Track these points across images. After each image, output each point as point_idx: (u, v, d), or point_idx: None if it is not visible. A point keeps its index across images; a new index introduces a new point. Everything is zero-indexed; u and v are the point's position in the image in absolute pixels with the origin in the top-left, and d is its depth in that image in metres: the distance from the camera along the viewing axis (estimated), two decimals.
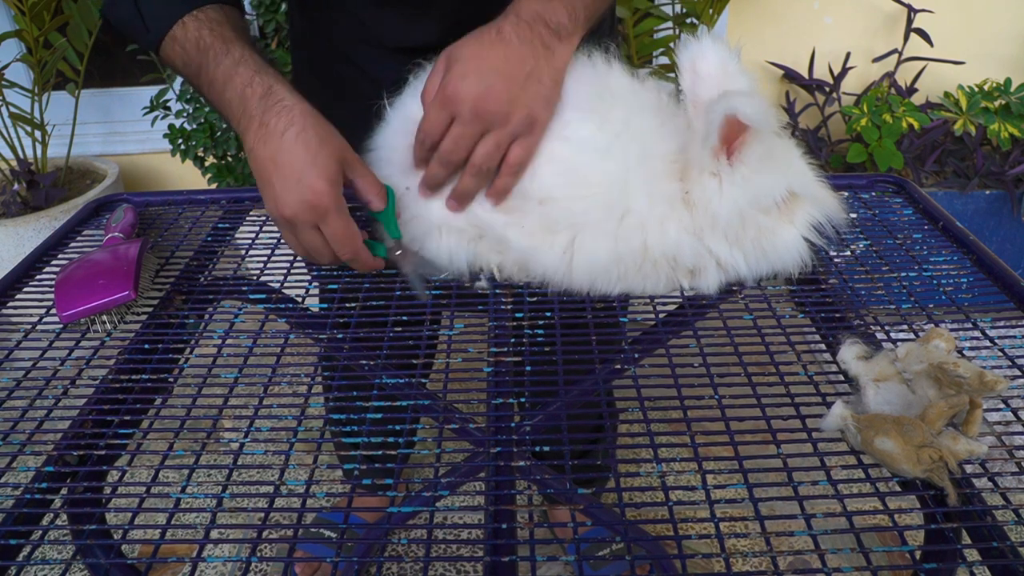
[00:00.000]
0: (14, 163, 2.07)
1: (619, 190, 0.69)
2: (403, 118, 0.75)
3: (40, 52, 1.96)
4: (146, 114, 2.04)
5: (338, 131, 0.70)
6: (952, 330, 0.67)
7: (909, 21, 2.10)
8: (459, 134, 0.68)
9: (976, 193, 1.93)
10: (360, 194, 0.71)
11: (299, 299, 0.78)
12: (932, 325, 0.67)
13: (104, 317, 0.71)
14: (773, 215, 0.70)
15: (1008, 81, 2.06)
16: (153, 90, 2.06)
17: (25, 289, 0.79)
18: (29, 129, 2.06)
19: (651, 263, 0.71)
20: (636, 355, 0.67)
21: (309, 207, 0.66)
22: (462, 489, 1.47)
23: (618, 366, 0.67)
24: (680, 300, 0.73)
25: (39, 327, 0.72)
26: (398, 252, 0.74)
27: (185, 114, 1.99)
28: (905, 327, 0.70)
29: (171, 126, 1.97)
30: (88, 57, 2.05)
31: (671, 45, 1.94)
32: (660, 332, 0.71)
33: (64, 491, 0.56)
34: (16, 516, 0.53)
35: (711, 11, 1.87)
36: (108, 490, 0.57)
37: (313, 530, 1.33)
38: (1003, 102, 2.01)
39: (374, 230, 0.74)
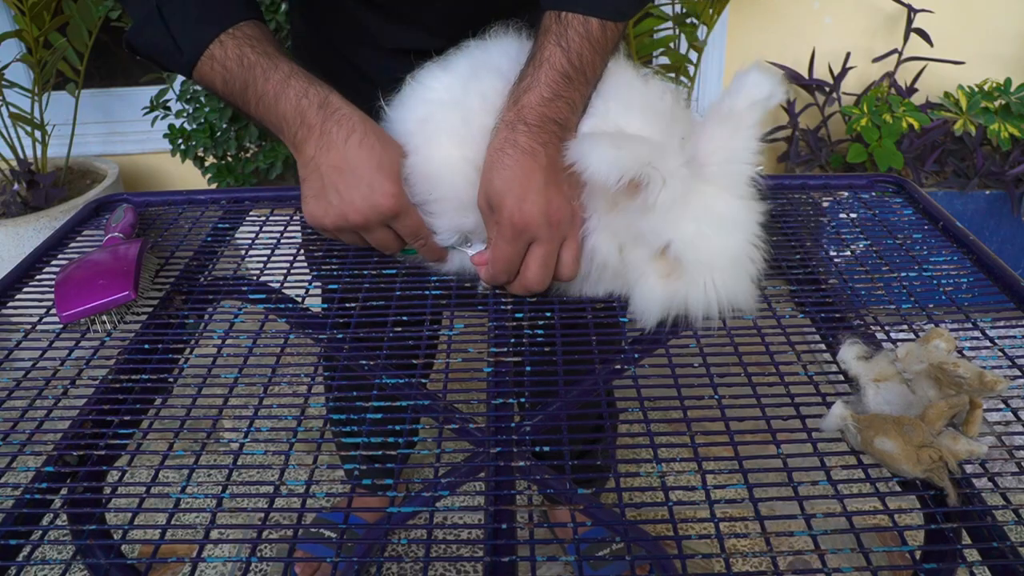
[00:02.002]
0: (14, 163, 2.07)
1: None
2: (397, 131, 0.75)
3: (40, 52, 1.96)
4: (146, 114, 2.04)
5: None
6: (952, 330, 0.67)
7: (909, 21, 2.10)
8: (545, 253, 0.68)
9: (976, 193, 1.93)
10: None
11: (299, 299, 0.78)
12: (932, 325, 0.67)
13: (104, 317, 0.71)
14: (650, 257, 0.66)
15: (1008, 81, 2.06)
16: (153, 90, 2.06)
17: (25, 289, 0.79)
18: (29, 129, 2.06)
19: (607, 269, 0.71)
20: (636, 355, 0.67)
21: (380, 211, 0.70)
22: (462, 489, 1.47)
23: (618, 366, 0.67)
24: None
25: (39, 327, 0.72)
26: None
27: (185, 114, 1.99)
28: (905, 327, 0.70)
29: (171, 126, 1.97)
30: (88, 57, 2.05)
31: (671, 45, 1.95)
32: (660, 332, 0.71)
33: (64, 491, 0.56)
34: (16, 516, 0.53)
35: (711, 11, 1.87)
36: (108, 490, 0.57)
37: (313, 530, 1.33)
38: (1003, 102, 2.01)
39: None
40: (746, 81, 0.64)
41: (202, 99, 1.94)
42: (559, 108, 0.67)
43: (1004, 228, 1.97)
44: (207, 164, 2.00)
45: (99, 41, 2.06)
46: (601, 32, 0.68)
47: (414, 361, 0.70)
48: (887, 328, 0.70)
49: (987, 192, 1.93)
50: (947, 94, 2.09)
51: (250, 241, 0.88)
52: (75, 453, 0.57)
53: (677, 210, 0.63)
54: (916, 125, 1.98)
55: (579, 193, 0.69)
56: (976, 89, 2.06)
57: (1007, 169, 1.90)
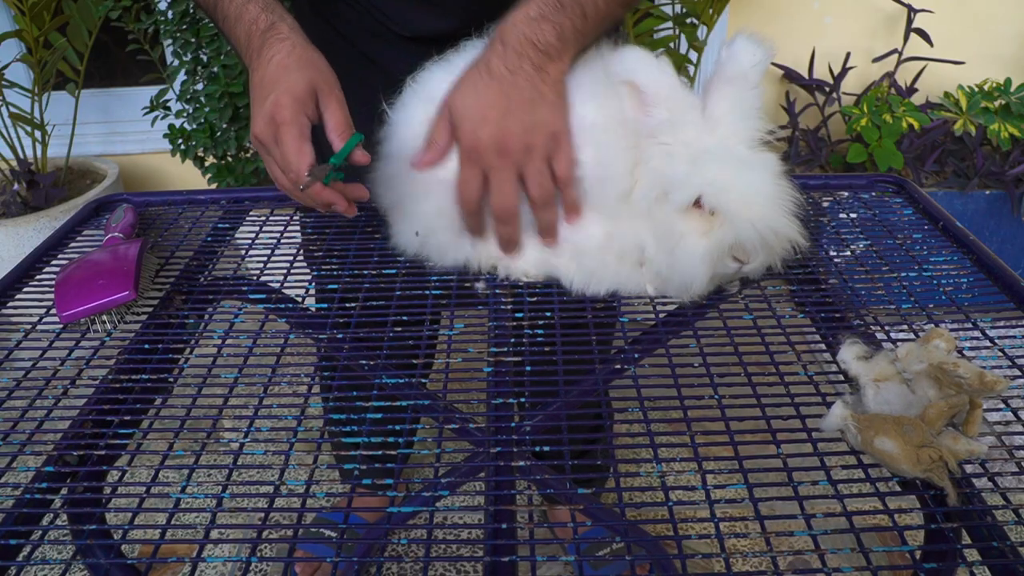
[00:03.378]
0: (14, 163, 2.07)
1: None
2: (400, 135, 0.75)
3: (40, 52, 1.96)
4: (146, 114, 2.04)
5: (329, 70, 0.73)
6: (952, 330, 0.67)
7: (909, 21, 2.10)
8: (500, 181, 0.69)
9: (976, 193, 1.93)
10: (327, 129, 0.73)
11: (299, 299, 0.78)
12: (932, 325, 0.67)
13: (104, 317, 0.71)
14: (684, 217, 0.66)
15: (1008, 81, 2.06)
16: (153, 90, 2.06)
17: (25, 289, 0.79)
18: (29, 129, 2.06)
19: (615, 260, 0.71)
20: (636, 355, 0.67)
21: (269, 119, 0.70)
22: (462, 489, 1.47)
23: (618, 366, 0.67)
24: (679, 300, 0.73)
25: (39, 327, 0.72)
26: (316, 177, 0.72)
27: (185, 114, 1.99)
28: (905, 327, 0.70)
29: (171, 126, 1.97)
30: (88, 57, 2.04)
31: (671, 45, 1.95)
32: (660, 332, 0.71)
33: (64, 491, 0.56)
34: (16, 516, 0.53)
35: (711, 11, 1.87)
36: (108, 490, 0.57)
37: (313, 530, 1.33)
38: (1003, 102, 2.01)
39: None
40: (738, 48, 0.67)
41: (202, 99, 1.94)
42: (543, 30, 0.67)
43: (1004, 228, 1.97)
44: (207, 164, 2.00)
45: (99, 41, 2.06)
46: None
47: (414, 361, 0.70)
48: (887, 328, 0.70)
49: (987, 192, 1.93)
50: (947, 94, 2.09)
51: (250, 241, 0.88)
52: (75, 453, 0.57)
53: (700, 159, 0.65)
54: (916, 125, 1.98)
55: (564, 118, 0.69)
56: (976, 89, 2.06)
57: (1007, 169, 1.90)
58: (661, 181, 0.66)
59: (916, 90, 2.13)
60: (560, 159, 0.69)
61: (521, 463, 0.56)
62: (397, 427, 0.58)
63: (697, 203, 0.65)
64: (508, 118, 0.67)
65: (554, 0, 0.67)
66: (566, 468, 0.56)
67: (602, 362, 0.67)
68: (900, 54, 2.14)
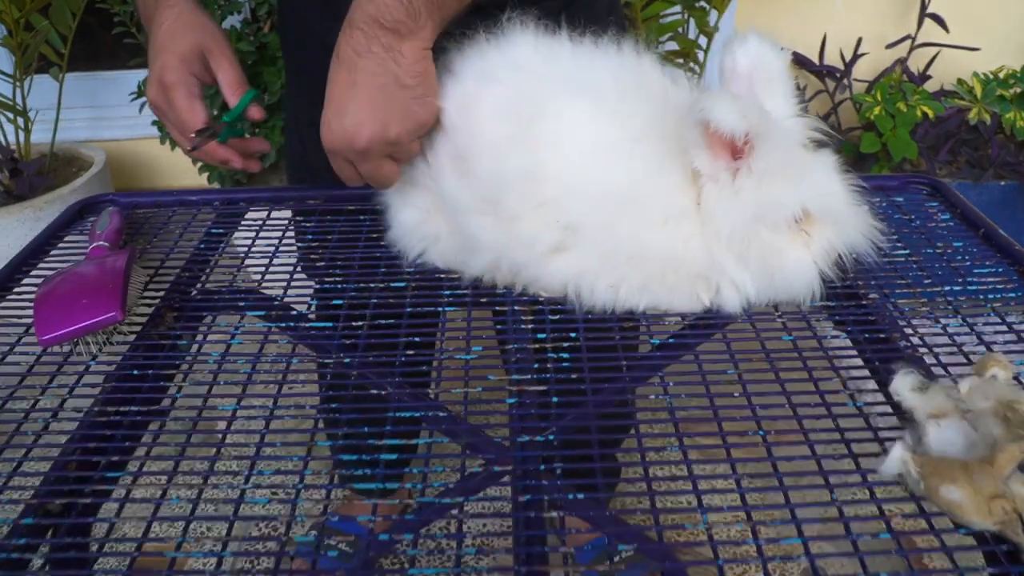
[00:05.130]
0: None
1: (636, 196, 0.64)
2: None
3: (21, 34, 1.88)
4: (133, 100, 1.96)
5: (219, 31, 0.76)
6: (1005, 352, 0.62)
7: (923, 6, 2.03)
8: (367, 171, 0.67)
9: (990, 184, 1.88)
10: (221, 87, 0.76)
11: (303, 314, 0.72)
12: (984, 348, 0.62)
13: (88, 339, 0.65)
14: (782, 233, 0.63)
15: None
16: (141, 74, 1.98)
17: (2, 304, 0.73)
18: (11, 116, 1.98)
19: (672, 273, 0.66)
20: (671, 383, 0.62)
21: (157, 83, 0.73)
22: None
23: (652, 396, 0.62)
24: (714, 320, 0.68)
25: (16, 350, 0.66)
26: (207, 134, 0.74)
27: None
28: (954, 349, 0.65)
29: None
30: (72, 40, 1.96)
31: (679, 30, 1.88)
32: (693, 346, 0.66)
33: (45, 548, 0.51)
34: None
35: None
36: (95, 547, 0.51)
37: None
38: (1019, 90, 1.96)
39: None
40: (757, 49, 0.66)
41: None
42: (389, 7, 0.61)
43: (1018, 220, 1.92)
44: None
45: (84, 23, 1.97)
46: None
47: (428, 391, 0.65)
48: (935, 349, 0.65)
49: (1002, 183, 1.88)
50: (960, 81, 2.03)
51: (247, 248, 0.82)
52: (58, 501, 0.52)
53: (798, 171, 0.63)
54: (931, 114, 1.92)
55: (429, 105, 0.66)
56: (991, 76, 2.00)
57: (1022, 159, 1.85)
58: (757, 207, 0.62)
59: (929, 77, 2.07)
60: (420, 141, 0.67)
61: (553, 514, 0.50)
62: (414, 470, 0.53)
63: (803, 214, 0.63)
64: (360, 112, 0.63)
65: None
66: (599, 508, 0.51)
67: (633, 387, 0.62)
68: (913, 40, 2.08)
